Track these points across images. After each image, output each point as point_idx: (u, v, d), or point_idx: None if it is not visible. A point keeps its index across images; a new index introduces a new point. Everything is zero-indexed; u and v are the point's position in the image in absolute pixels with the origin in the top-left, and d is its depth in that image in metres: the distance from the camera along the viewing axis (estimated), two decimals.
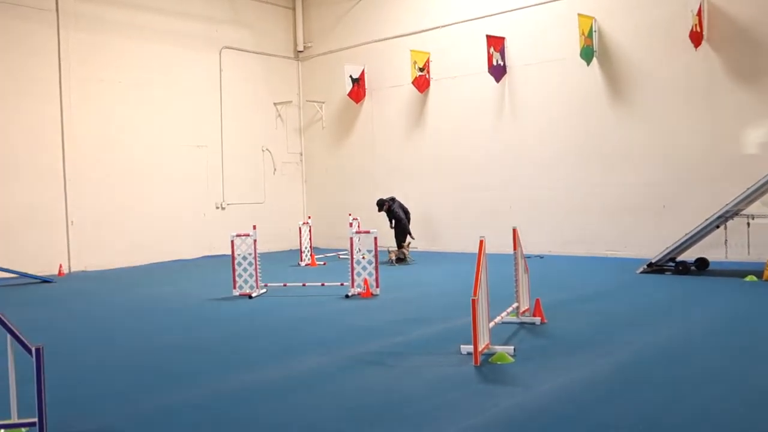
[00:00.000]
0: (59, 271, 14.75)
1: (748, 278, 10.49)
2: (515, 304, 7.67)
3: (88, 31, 15.65)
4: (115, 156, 16.06)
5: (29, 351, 4.21)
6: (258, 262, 10.71)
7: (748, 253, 11.48)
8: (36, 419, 4.25)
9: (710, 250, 12.04)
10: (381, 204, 15.31)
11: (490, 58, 15.48)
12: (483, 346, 6.08)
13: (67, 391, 5.62)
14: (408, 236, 15.01)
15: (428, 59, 17.12)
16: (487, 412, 4.71)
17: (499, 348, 6.21)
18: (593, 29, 14.22)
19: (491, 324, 6.56)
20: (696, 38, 12.81)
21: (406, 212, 15.32)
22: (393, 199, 15.40)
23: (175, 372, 6.15)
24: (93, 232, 15.54)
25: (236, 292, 10.59)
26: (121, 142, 16.17)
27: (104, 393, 5.56)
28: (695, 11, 12.75)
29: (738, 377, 5.39)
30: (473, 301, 5.84)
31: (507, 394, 5.11)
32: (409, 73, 17.18)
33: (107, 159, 15.91)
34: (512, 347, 6.26)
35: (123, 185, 16.15)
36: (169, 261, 16.65)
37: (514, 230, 7.62)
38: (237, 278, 10.63)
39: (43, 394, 4.21)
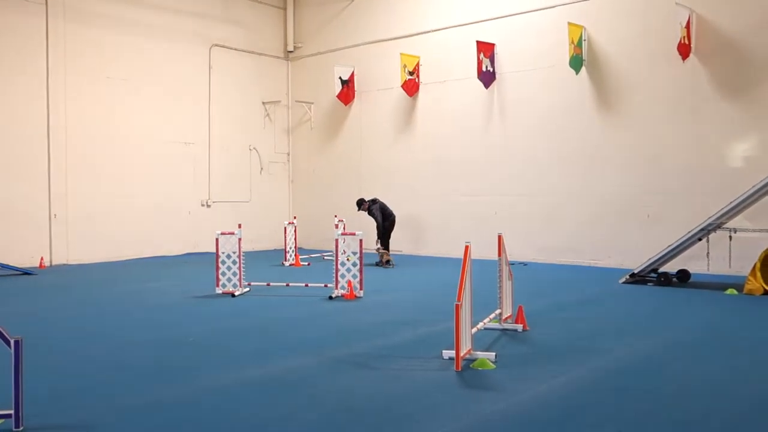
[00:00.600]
0: (40, 263, 14.60)
1: (729, 291, 10.58)
2: (498, 311, 7.68)
3: (78, 24, 15.53)
4: (101, 150, 15.94)
5: (8, 343, 4.16)
6: (242, 261, 10.66)
7: (730, 266, 11.58)
8: (12, 411, 4.19)
9: (692, 261, 12.14)
10: (360, 203, 15.34)
11: (479, 63, 15.54)
12: (465, 351, 6.09)
13: (45, 384, 5.55)
14: (378, 242, 15.01)
15: (418, 63, 17.15)
16: (468, 417, 4.71)
17: (480, 354, 6.22)
18: (583, 38, 14.32)
19: (474, 330, 6.57)
20: (684, 50, 12.93)
21: (390, 215, 15.26)
22: (374, 201, 15.35)
23: (154, 369, 6.10)
24: (76, 225, 15.41)
25: (219, 290, 10.53)
26: (107, 137, 16.06)
27: (82, 387, 5.50)
28: (684, 23, 12.88)
29: (718, 389, 5.43)
30: (457, 306, 5.85)
31: (488, 399, 5.11)
32: (398, 77, 17.21)
33: (92, 153, 15.79)
34: (494, 353, 6.26)
35: (107, 180, 16.03)
36: (152, 257, 16.54)
37: (499, 236, 7.64)
38: (220, 276, 10.57)
39: (20, 386, 4.17)
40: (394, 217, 15.40)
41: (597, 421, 4.62)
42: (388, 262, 14.65)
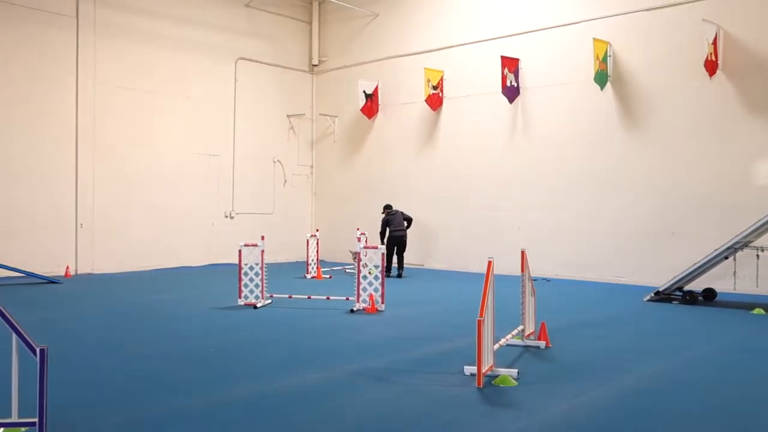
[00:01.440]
0: (66, 272, 14.80)
1: (756, 311, 10.41)
2: (520, 327, 7.63)
3: (107, 38, 15.82)
4: (127, 161, 16.17)
5: (33, 351, 4.21)
6: (264, 273, 10.71)
7: (757, 285, 11.39)
8: (36, 419, 4.24)
9: (718, 280, 11.96)
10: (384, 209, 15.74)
11: (504, 78, 15.53)
12: (487, 368, 6.05)
13: (68, 393, 5.61)
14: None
15: (442, 77, 17.19)
16: None
17: (502, 371, 6.17)
18: (608, 54, 14.25)
19: (496, 346, 6.53)
20: (711, 67, 12.82)
21: (394, 230, 15.44)
22: (386, 209, 15.74)
23: (175, 380, 6.14)
24: (101, 235, 15.62)
25: (241, 302, 10.59)
26: (133, 148, 16.29)
27: (104, 397, 5.55)
28: (711, 40, 12.77)
29: (743, 412, 5.33)
30: (479, 321, 5.81)
31: (510, 417, 5.06)
32: (422, 91, 17.25)
33: (119, 164, 16.03)
34: (516, 370, 6.21)
35: (133, 190, 16.24)
36: (175, 267, 16.69)
37: (522, 252, 7.59)
38: (243, 288, 10.63)
39: (45, 394, 4.21)
40: (400, 234, 15.40)
41: None
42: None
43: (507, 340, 7.23)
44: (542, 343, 7.57)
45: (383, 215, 15.73)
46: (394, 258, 15.57)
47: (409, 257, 16.26)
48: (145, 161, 16.51)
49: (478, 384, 5.87)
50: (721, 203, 12.97)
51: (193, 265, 17.19)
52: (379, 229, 15.64)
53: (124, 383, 6.03)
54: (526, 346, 7.55)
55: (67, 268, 14.92)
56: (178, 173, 17.14)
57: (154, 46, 16.69)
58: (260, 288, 10.66)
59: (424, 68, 17.13)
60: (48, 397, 4.23)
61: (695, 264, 11.29)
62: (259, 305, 10.46)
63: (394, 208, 15.82)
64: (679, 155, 13.55)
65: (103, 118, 15.75)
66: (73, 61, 15.28)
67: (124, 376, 6.30)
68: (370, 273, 10.33)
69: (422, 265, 16.30)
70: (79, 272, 15.23)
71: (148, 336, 8.27)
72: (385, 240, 15.44)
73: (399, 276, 15.25)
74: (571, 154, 15.06)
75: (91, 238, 15.47)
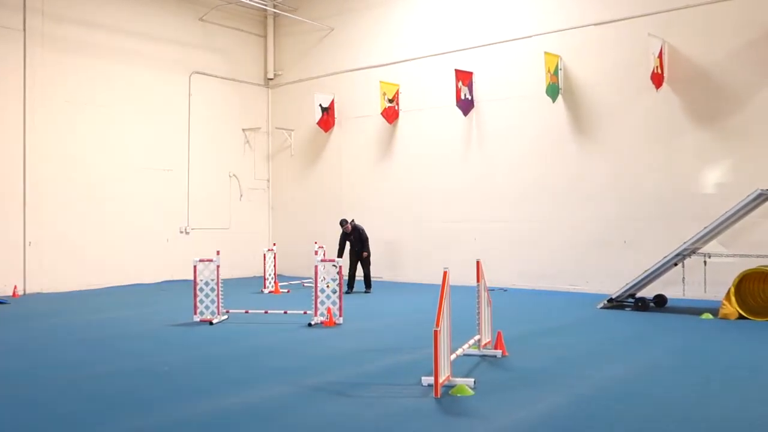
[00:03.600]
0: (14, 292, 14.37)
1: (704, 316, 10.70)
2: (477, 337, 7.69)
3: (56, 52, 15.50)
4: (78, 177, 15.82)
5: None
6: (220, 288, 10.58)
7: (705, 290, 11.72)
8: None
9: (669, 287, 12.27)
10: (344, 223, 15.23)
11: (458, 92, 15.73)
12: (444, 378, 6.07)
13: (16, 415, 5.44)
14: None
15: (398, 91, 17.32)
16: None
17: (459, 380, 6.20)
18: (559, 67, 14.57)
19: (453, 356, 6.57)
20: (657, 79, 13.21)
21: (353, 244, 15.09)
22: (342, 224, 15.19)
23: (129, 398, 6.01)
24: (51, 253, 15.20)
25: (197, 318, 10.43)
26: (84, 164, 15.95)
27: (54, 419, 5.40)
28: (656, 53, 13.17)
29: (695, 414, 5.46)
30: (435, 332, 5.85)
31: (467, 427, 5.10)
32: (378, 104, 17.34)
33: (69, 180, 15.66)
34: (473, 380, 6.26)
35: (85, 207, 15.88)
36: (129, 285, 16.35)
37: (478, 262, 7.68)
38: (198, 304, 10.47)
39: None
40: (358, 248, 15.01)
41: None
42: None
43: (464, 350, 7.28)
44: (498, 352, 7.65)
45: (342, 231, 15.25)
46: (359, 272, 15.11)
47: None
48: (97, 177, 16.17)
49: (436, 394, 5.89)
50: (669, 211, 13.33)
51: (147, 282, 16.86)
52: (337, 247, 15.10)
53: (75, 404, 5.87)
54: (483, 356, 7.62)
55: (15, 287, 14.47)
56: (132, 189, 16.83)
57: (106, 60, 16.41)
58: (216, 304, 10.51)
59: (380, 81, 17.24)
60: None
61: (646, 271, 11.57)
62: (215, 321, 10.32)
63: (352, 224, 15.18)
64: (629, 165, 13.90)
65: (52, 133, 15.38)
66: (20, 76, 14.90)
67: (75, 396, 6.14)
68: (327, 287, 10.29)
69: (381, 278, 16.30)
70: (27, 292, 14.78)
71: (100, 355, 8.07)
72: (346, 253, 15.09)
73: (368, 290, 14.85)
74: (524, 166, 15.31)
75: (39, 256, 15.04)
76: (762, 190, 10.56)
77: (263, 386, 6.38)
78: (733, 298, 10.50)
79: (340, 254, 14.90)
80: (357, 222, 15.35)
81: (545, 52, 14.36)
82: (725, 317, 10.48)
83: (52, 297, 14.27)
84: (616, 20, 14.02)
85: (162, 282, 17.06)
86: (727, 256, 11.64)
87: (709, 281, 11.53)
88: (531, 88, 15.03)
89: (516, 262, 15.30)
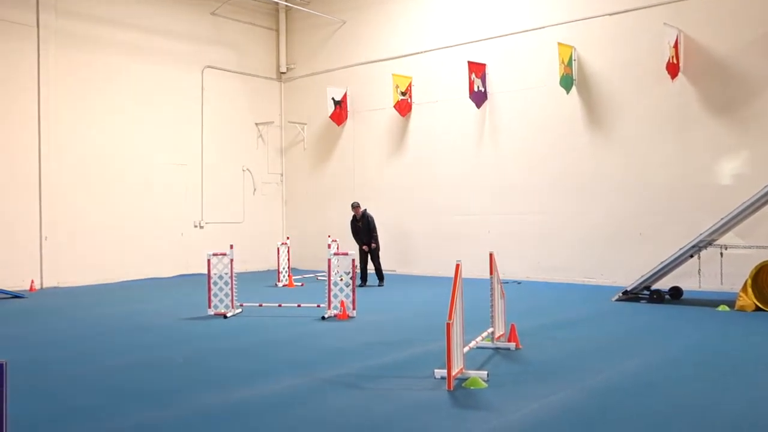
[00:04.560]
0: (31, 286, 14.51)
1: (721, 308, 10.59)
2: (490, 329, 7.66)
3: (69, 48, 15.59)
4: (92, 172, 15.93)
5: None
6: (234, 282, 10.62)
7: (721, 282, 11.61)
8: None
9: (684, 279, 12.17)
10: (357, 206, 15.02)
11: (471, 84, 15.65)
12: (457, 370, 6.06)
13: (32, 408, 5.49)
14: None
15: (410, 83, 17.27)
16: None
17: (472, 373, 6.19)
18: (573, 58, 14.45)
19: (466, 348, 6.55)
20: (672, 70, 13.06)
21: (371, 232, 14.92)
22: (357, 220, 15.01)
23: (144, 391, 6.05)
24: (67, 248, 15.34)
25: (211, 312, 10.48)
26: (99, 159, 16.06)
27: (70, 411, 5.44)
28: (672, 43, 13.01)
29: (710, 408, 5.41)
30: (448, 325, 5.83)
31: (480, 419, 5.08)
32: (391, 97, 17.30)
33: (84, 175, 15.78)
34: (486, 372, 6.24)
35: (99, 202, 16.00)
36: (144, 279, 16.47)
37: (491, 255, 7.64)
38: (212, 297, 10.52)
39: (5, 411, 4.10)
40: (366, 239, 14.84)
41: None
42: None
43: (477, 342, 7.26)
44: (512, 345, 7.62)
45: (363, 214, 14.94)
46: (370, 265, 14.99)
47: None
48: (112, 172, 16.28)
49: (449, 387, 5.88)
50: (685, 203, 13.21)
51: (162, 276, 16.98)
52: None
53: (90, 396, 5.92)
54: (496, 348, 7.59)
55: (32, 282, 14.62)
56: (146, 183, 16.93)
57: (119, 54, 16.49)
58: (230, 297, 10.56)
59: (393, 74, 17.19)
60: (12, 412, 4.13)
61: (661, 263, 11.47)
62: (229, 314, 10.37)
63: (361, 212, 14.91)
64: (644, 157, 13.77)
65: (66, 129, 15.50)
66: (35, 73, 15.01)
67: (90, 388, 6.19)
68: (341, 279, 10.30)
69: (394, 271, 16.29)
70: (44, 286, 14.94)
71: (115, 348, 8.13)
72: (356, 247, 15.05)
73: (381, 283, 14.71)
74: (538, 158, 15.22)
75: (56, 251, 15.19)
76: None
77: (276, 379, 6.40)
78: (750, 290, 10.39)
79: (358, 241, 14.91)
80: (369, 212, 15.12)
81: (559, 43, 14.24)
82: (742, 309, 10.37)
83: (69, 291, 14.40)
84: (631, 9, 13.88)
85: (176, 276, 17.17)
86: (744, 247, 11.52)
87: (725, 273, 11.41)
88: (545, 80, 14.92)
89: (530, 255, 15.23)
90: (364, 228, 14.90)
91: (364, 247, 14.80)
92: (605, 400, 5.59)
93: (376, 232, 14.95)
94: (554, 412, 5.27)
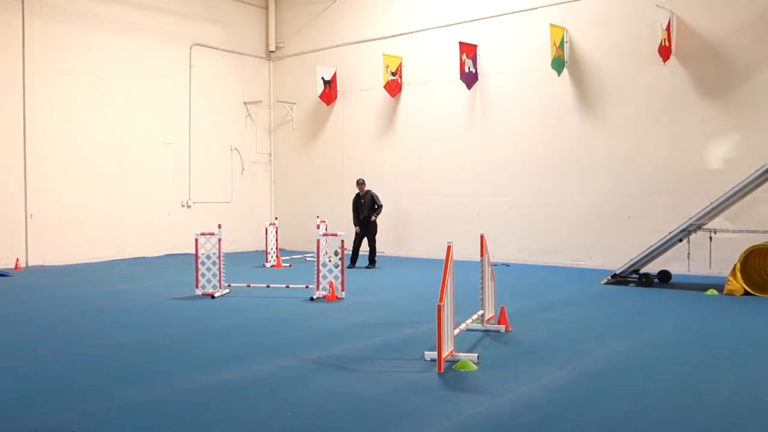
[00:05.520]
0: (16, 264, 14.34)
1: (709, 292, 10.63)
2: (480, 312, 7.63)
3: (55, 22, 15.29)
4: (79, 150, 15.71)
5: None
6: (222, 262, 10.53)
7: (710, 266, 11.65)
8: None
9: (673, 262, 12.19)
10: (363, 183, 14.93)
11: (462, 65, 15.52)
12: (447, 353, 6.02)
13: (18, 388, 5.41)
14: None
15: (401, 63, 17.10)
16: (451, 420, 4.64)
17: (463, 355, 6.16)
18: (564, 40, 14.34)
19: (456, 331, 6.51)
20: (664, 52, 12.99)
21: (376, 206, 14.82)
22: (360, 195, 14.91)
23: (130, 371, 5.97)
24: (53, 226, 15.16)
25: (199, 292, 10.39)
26: (85, 137, 15.83)
27: (56, 391, 5.36)
28: (664, 26, 12.94)
29: (697, 389, 5.41)
30: (439, 307, 5.78)
31: (470, 402, 5.05)
32: (381, 77, 17.14)
33: (70, 153, 15.56)
34: (476, 355, 6.21)
35: (86, 180, 15.80)
36: (131, 258, 16.32)
37: (482, 237, 7.59)
38: (200, 277, 10.43)
39: None
40: (365, 214, 14.74)
41: (578, 424, 4.58)
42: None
43: (467, 325, 7.23)
44: (502, 327, 7.60)
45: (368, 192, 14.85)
46: (364, 246, 14.80)
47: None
48: (98, 149, 16.06)
49: (439, 369, 5.84)
50: (675, 187, 13.21)
51: (149, 255, 16.84)
52: (352, 213, 14.94)
53: (76, 375, 5.84)
54: (486, 331, 7.57)
55: (17, 260, 14.44)
56: (133, 162, 16.72)
57: (106, 31, 16.19)
58: (218, 278, 10.47)
59: (383, 54, 17.01)
60: None
61: (651, 247, 11.47)
62: (217, 295, 10.28)
63: (365, 189, 14.85)
64: (635, 139, 13.75)
65: (52, 105, 15.24)
66: (19, 47, 14.72)
67: (76, 368, 6.10)
68: (330, 260, 10.23)
69: (383, 252, 16.23)
70: (30, 264, 14.77)
71: (102, 327, 8.04)
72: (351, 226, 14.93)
73: (370, 266, 14.54)
74: (528, 140, 15.15)
75: (42, 229, 15.00)
76: None
77: (265, 360, 6.34)
78: (738, 274, 10.41)
79: (356, 220, 14.81)
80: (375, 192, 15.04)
81: (551, 25, 14.12)
82: (730, 293, 10.41)
83: (54, 270, 14.24)
84: None
85: (164, 255, 17.04)
86: (733, 231, 11.55)
87: (715, 257, 11.44)
88: (536, 61, 14.81)
89: (519, 237, 15.22)
90: (367, 204, 14.73)
91: (356, 229, 14.68)
92: (595, 382, 5.58)
93: (381, 209, 14.82)
94: (545, 394, 5.25)
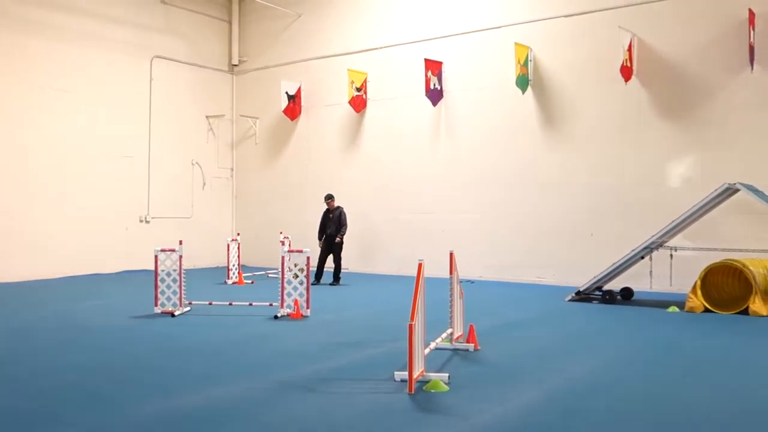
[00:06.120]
0: None
1: (671, 309, 10.74)
2: (449, 330, 7.54)
3: (10, 32, 14.85)
4: (34, 163, 15.22)
5: None
6: (183, 279, 10.23)
7: (671, 284, 11.78)
8: None
9: (635, 279, 12.31)
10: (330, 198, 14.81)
11: (427, 81, 15.55)
12: (418, 373, 5.90)
13: None
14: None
15: (365, 79, 17.06)
16: None
17: (433, 375, 6.04)
18: (529, 58, 14.49)
19: (426, 350, 6.39)
20: (626, 72, 13.21)
21: (341, 224, 14.71)
22: (329, 211, 14.81)
23: (84, 396, 5.68)
24: (5, 241, 14.60)
25: (158, 310, 10.07)
26: (41, 149, 15.35)
27: (3, 417, 5.05)
28: (626, 47, 13.17)
29: (671, 408, 5.38)
30: (410, 326, 5.66)
31: (443, 424, 4.93)
32: (346, 93, 17.06)
33: (25, 166, 15.07)
34: (447, 375, 6.10)
35: (41, 193, 15.30)
36: (86, 275, 15.82)
37: (451, 254, 7.52)
38: (159, 295, 10.11)
39: None
40: (331, 234, 14.68)
41: None
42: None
43: (437, 343, 7.12)
44: (471, 346, 7.51)
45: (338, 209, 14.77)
46: (329, 263, 14.67)
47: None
48: (54, 163, 15.58)
49: (410, 390, 5.71)
50: (636, 204, 13.39)
51: (106, 271, 16.34)
52: (318, 227, 14.84)
53: (25, 400, 5.52)
54: (455, 350, 7.47)
55: None
56: (90, 175, 16.27)
57: (64, 41, 15.78)
58: (178, 295, 10.17)
59: (348, 70, 16.95)
60: None
61: (614, 264, 11.57)
62: (177, 313, 9.98)
63: (334, 205, 14.76)
64: (598, 158, 13.92)
65: (6, 116, 14.74)
66: None
67: (25, 392, 5.78)
68: (294, 277, 10.03)
69: (347, 269, 16.07)
70: None
71: (53, 347, 7.69)
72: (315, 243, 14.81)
73: (334, 282, 14.39)
74: (493, 157, 15.22)
75: None
76: (729, 184, 10.62)
77: (229, 382, 6.12)
78: (699, 292, 10.55)
79: (321, 235, 14.64)
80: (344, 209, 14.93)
81: (515, 43, 14.26)
82: (691, 310, 10.53)
83: (6, 287, 13.69)
84: (587, 12, 14.01)
85: (121, 272, 16.57)
86: (693, 249, 11.73)
87: (675, 274, 11.59)
88: (501, 79, 14.93)
89: (483, 254, 15.22)
90: (334, 219, 14.60)
91: (337, 238, 14.49)
92: (567, 403, 5.51)
93: (345, 228, 14.66)
94: (518, 414, 5.16)
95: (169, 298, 10.14)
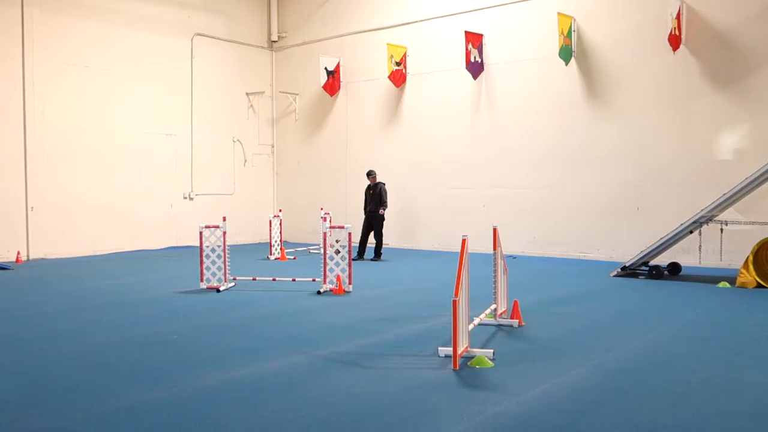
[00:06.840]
0: (17, 258, 14.17)
1: (721, 284, 10.47)
2: (493, 306, 7.47)
3: (55, 13, 15.06)
4: (80, 142, 15.52)
5: None
6: (227, 255, 10.36)
7: (721, 258, 11.47)
8: None
9: (682, 254, 12.03)
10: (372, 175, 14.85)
11: (468, 54, 15.30)
12: (462, 349, 5.86)
13: (21, 387, 5.24)
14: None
15: (405, 54, 16.88)
16: (471, 419, 4.48)
17: (478, 351, 5.99)
18: (572, 29, 14.12)
19: (470, 326, 6.35)
20: (674, 41, 12.79)
21: (380, 202, 14.68)
22: (370, 186, 14.83)
23: (136, 369, 5.81)
24: (54, 219, 14.99)
25: (203, 285, 10.23)
26: (86, 128, 15.63)
27: (61, 390, 5.19)
28: (674, 15, 12.72)
29: (722, 387, 5.24)
30: (454, 302, 5.61)
31: (490, 400, 4.88)
32: (385, 67, 16.92)
33: (71, 145, 15.37)
34: (492, 351, 6.05)
35: (87, 172, 15.61)
36: (132, 251, 16.16)
37: (495, 230, 7.42)
38: (205, 271, 10.26)
39: None
40: (372, 207, 14.66)
41: (603, 426, 4.40)
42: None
43: (480, 319, 7.07)
44: (515, 322, 7.44)
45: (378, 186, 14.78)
46: (371, 239, 14.68)
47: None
48: (99, 142, 15.86)
49: (454, 366, 5.68)
50: (685, 178, 13.03)
51: (152, 248, 16.67)
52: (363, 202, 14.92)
53: (81, 373, 5.67)
54: (499, 325, 7.41)
55: (18, 253, 14.28)
56: (134, 154, 16.53)
57: (105, 21, 15.97)
58: (223, 271, 10.30)
59: (387, 44, 16.78)
60: (0, 391, 3.89)
61: (661, 239, 11.31)
62: (222, 288, 10.12)
63: (375, 181, 14.77)
64: (643, 130, 13.55)
65: (52, 97, 15.04)
66: (18, 39, 14.50)
67: (81, 365, 5.94)
68: (336, 253, 10.06)
69: (388, 244, 16.07)
70: (31, 258, 14.61)
71: (105, 323, 7.87)
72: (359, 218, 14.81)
73: (375, 258, 14.35)
74: (535, 130, 14.95)
75: (42, 221, 14.82)
76: None
77: (274, 356, 6.18)
78: (751, 267, 10.26)
79: (365, 210, 14.78)
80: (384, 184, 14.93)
81: (558, 13, 13.90)
82: (743, 286, 10.25)
83: (56, 263, 14.08)
84: None
85: (166, 248, 16.88)
86: (744, 223, 11.37)
87: (726, 249, 11.26)
88: (543, 51, 14.60)
89: (526, 229, 15.04)
90: (375, 195, 14.62)
91: (381, 210, 14.52)
92: (616, 381, 5.41)
93: (385, 206, 14.66)
94: (566, 392, 5.08)
95: (214, 274, 10.29)
